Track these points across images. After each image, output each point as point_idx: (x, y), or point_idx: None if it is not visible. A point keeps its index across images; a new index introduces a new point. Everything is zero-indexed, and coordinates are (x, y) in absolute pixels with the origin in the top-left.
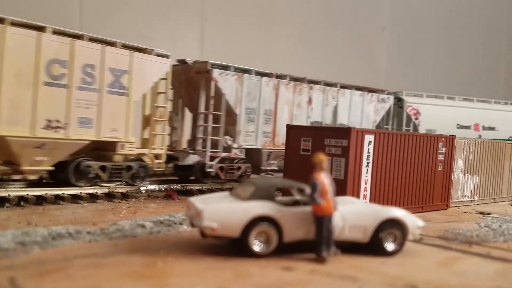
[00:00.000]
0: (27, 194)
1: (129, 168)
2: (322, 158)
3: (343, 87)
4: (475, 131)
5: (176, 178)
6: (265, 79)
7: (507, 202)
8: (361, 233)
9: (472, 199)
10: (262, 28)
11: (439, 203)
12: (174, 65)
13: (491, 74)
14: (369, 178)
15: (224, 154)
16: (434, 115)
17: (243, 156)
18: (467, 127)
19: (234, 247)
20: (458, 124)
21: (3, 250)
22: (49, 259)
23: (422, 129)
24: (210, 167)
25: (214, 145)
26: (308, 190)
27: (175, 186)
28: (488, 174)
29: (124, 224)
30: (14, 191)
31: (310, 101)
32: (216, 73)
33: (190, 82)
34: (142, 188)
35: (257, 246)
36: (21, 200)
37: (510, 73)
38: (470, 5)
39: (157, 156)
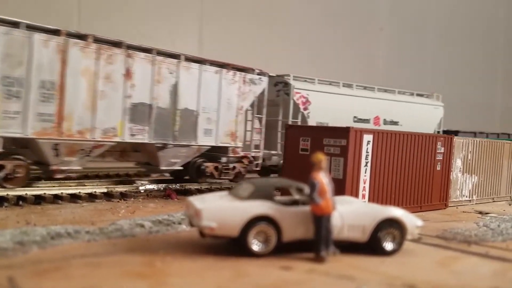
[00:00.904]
0: (26, 194)
1: None
2: (321, 157)
3: (190, 60)
4: (375, 125)
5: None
6: (39, 36)
7: (506, 201)
8: (360, 233)
9: (470, 198)
10: (262, 28)
11: (437, 203)
12: None
13: (490, 73)
14: (367, 177)
15: None
16: (327, 105)
17: None
18: (366, 121)
19: (233, 246)
20: (355, 117)
21: (2, 249)
22: (48, 258)
23: (312, 122)
24: None
25: None
26: (307, 189)
27: (174, 186)
28: (487, 174)
29: (123, 223)
30: (13, 190)
31: (128, 74)
32: None
33: None
34: (140, 188)
35: (256, 245)
36: (20, 200)
37: (508, 72)
38: (468, 5)
39: None
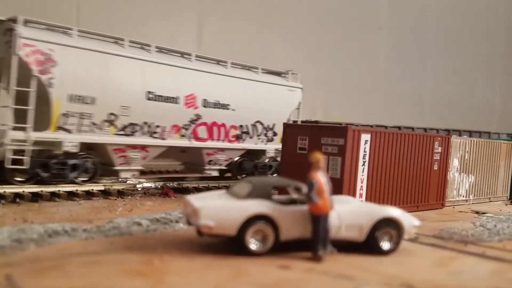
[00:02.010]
0: (23, 191)
1: None
2: (319, 157)
3: None
4: (187, 107)
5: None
6: None
7: (502, 201)
8: (357, 232)
9: (467, 198)
10: (261, 27)
11: (434, 202)
12: None
13: (489, 72)
14: (365, 177)
15: None
16: (92, 70)
17: None
18: (170, 99)
19: (231, 245)
20: (150, 93)
21: None
22: (46, 256)
23: (60, 93)
24: None
25: None
26: (304, 189)
27: (171, 184)
28: (484, 174)
29: (120, 221)
30: (10, 188)
31: None
32: None
33: None
34: (138, 186)
35: (253, 244)
36: (17, 197)
37: (508, 70)
38: (468, 5)
39: None
